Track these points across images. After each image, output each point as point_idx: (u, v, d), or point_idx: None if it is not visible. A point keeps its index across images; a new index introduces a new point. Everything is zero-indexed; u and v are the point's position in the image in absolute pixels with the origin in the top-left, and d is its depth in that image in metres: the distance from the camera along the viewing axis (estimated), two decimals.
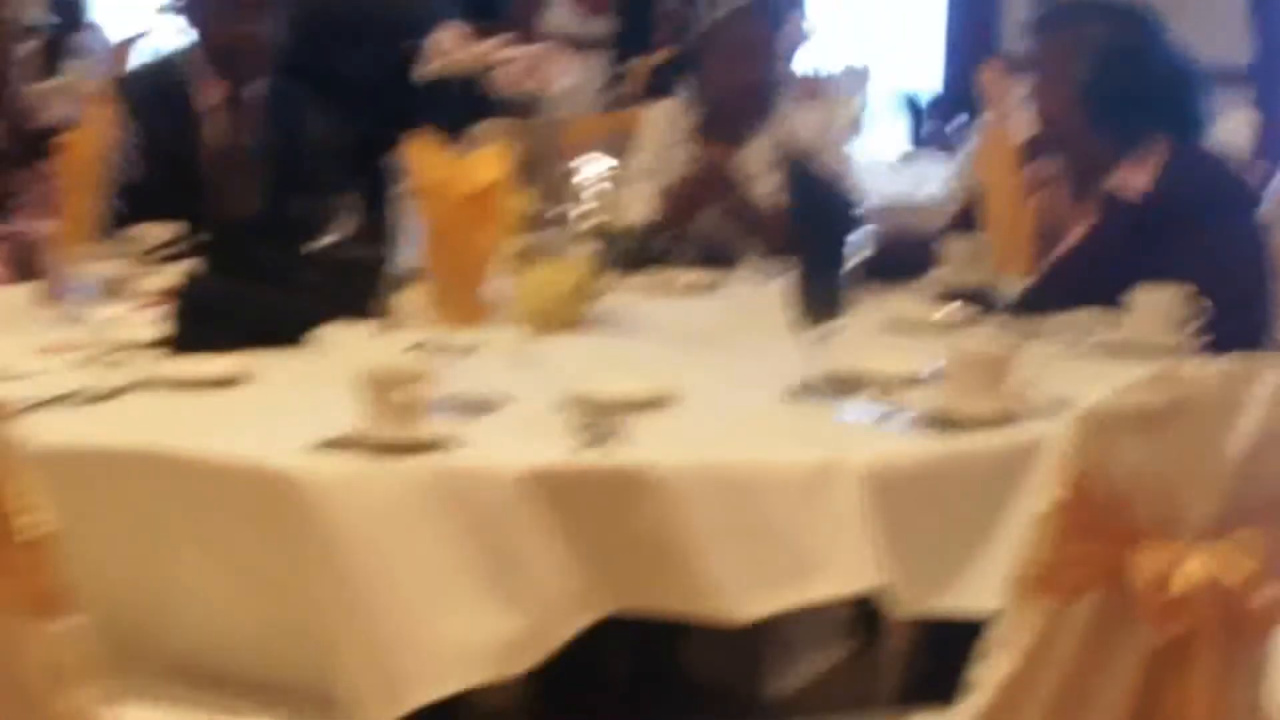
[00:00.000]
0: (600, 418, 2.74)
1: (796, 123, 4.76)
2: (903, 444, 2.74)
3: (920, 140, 7.16)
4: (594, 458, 2.59)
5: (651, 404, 2.89)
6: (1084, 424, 2.11)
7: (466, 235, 2.79)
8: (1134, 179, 3.98)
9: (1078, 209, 4.09)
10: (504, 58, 3.53)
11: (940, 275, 3.95)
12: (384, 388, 2.59)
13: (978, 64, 4.92)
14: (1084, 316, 3.60)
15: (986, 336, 3.40)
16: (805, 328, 2.97)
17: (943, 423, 2.78)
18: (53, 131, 4.29)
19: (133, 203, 4.47)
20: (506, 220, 2.89)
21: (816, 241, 2.96)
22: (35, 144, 4.27)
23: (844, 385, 2.99)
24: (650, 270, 4.20)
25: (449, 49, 3.63)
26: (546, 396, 2.87)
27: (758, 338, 3.35)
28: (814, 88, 6.48)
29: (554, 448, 2.63)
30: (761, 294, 4.03)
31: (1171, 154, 3.98)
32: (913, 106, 7.07)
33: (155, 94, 4.82)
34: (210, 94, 4.83)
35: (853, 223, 3.03)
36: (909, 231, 4.44)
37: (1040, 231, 3.96)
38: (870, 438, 2.77)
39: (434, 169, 2.82)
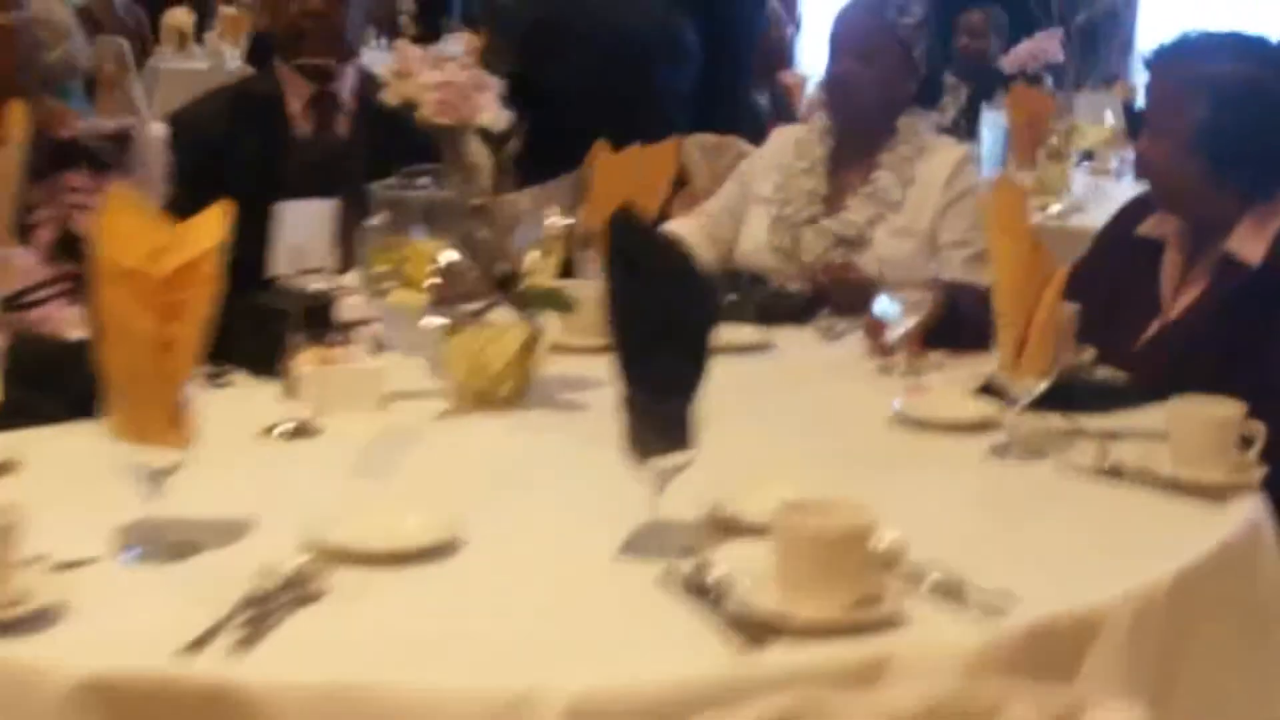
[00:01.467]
0: (317, 574, 1.82)
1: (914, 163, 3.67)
2: (649, 661, 1.70)
3: None
4: (181, 667, 1.64)
5: (409, 557, 1.93)
6: None
7: (158, 327, 1.88)
8: (1255, 242, 2.86)
9: (1188, 275, 2.98)
10: (430, 82, 2.57)
11: None
12: None
13: None
14: (1118, 421, 2.52)
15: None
16: (640, 460, 1.97)
17: (750, 626, 1.74)
18: (76, 144, 3.55)
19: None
20: (208, 308, 1.95)
21: (643, 345, 1.94)
22: (59, 156, 3.53)
23: (695, 535, 1.99)
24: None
25: (404, 71, 2.68)
26: (291, 530, 1.96)
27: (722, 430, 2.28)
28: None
29: (158, 641, 1.69)
30: (797, 364, 3.05)
31: None
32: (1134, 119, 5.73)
33: (236, 107, 3.97)
34: (296, 96, 3.92)
35: (705, 318, 1.98)
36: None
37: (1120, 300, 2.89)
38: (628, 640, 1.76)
39: (125, 239, 1.90)
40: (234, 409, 2.61)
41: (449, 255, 2.55)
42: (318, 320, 2.77)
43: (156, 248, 1.91)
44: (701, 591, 1.82)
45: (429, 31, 13.02)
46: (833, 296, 3.34)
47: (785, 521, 1.77)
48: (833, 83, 3.69)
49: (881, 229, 3.61)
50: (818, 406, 2.76)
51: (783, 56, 6.99)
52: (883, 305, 2.96)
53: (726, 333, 3.14)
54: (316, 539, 1.92)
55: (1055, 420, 2.54)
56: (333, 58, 3.89)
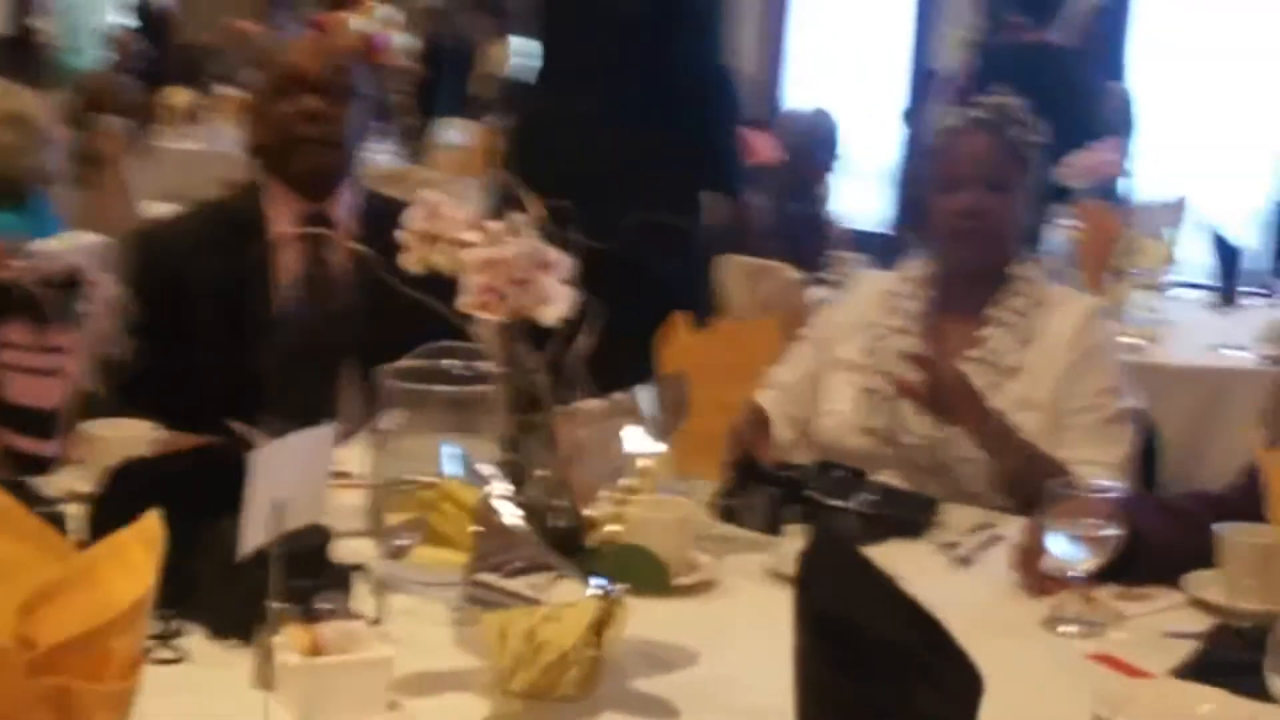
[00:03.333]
0: None
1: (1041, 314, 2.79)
2: None
3: (1229, 285, 4.79)
4: None
5: None
6: None
7: None
8: None
9: None
10: (487, 257, 1.65)
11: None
12: None
13: None
14: None
15: None
16: None
17: None
18: (13, 289, 2.63)
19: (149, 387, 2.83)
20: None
21: None
22: None
23: None
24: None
25: (424, 230, 1.77)
26: None
27: None
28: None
29: None
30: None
31: None
32: (1222, 246, 4.81)
33: (207, 228, 3.04)
34: (283, 216, 2.99)
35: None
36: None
37: None
38: None
39: None
40: (177, 713, 1.69)
41: (504, 505, 1.63)
42: (309, 568, 1.86)
43: (39, 593, 0.99)
44: None
45: (426, 115, 12.17)
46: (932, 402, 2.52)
47: None
48: (960, 219, 2.77)
49: (998, 400, 2.71)
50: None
51: None
52: (1055, 538, 2.07)
53: None
54: None
55: None
56: (330, 168, 3.01)
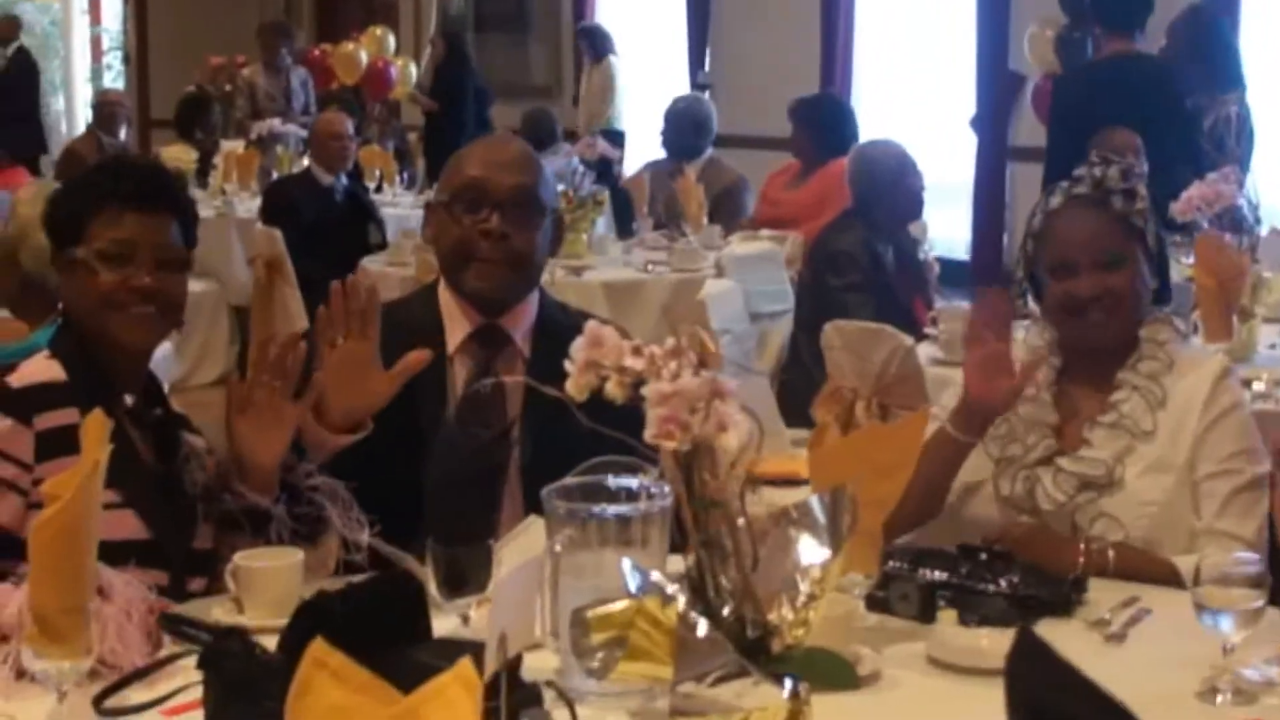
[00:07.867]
0: None
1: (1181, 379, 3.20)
2: None
3: None
4: None
5: None
6: None
7: None
8: None
9: None
10: (666, 390, 2.08)
11: None
12: None
13: None
14: None
15: None
16: None
17: None
18: None
19: None
20: None
21: None
22: None
23: None
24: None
25: (587, 359, 2.20)
26: None
27: None
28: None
29: None
30: None
31: None
32: None
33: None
34: (456, 326, 3.31)
35: None
36: None
37: None
38: None
39: None
40: None
41: (699, 620, 2.05)
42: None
43: None
44: None
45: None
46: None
47: None
48: (1078, 303, 3.18)
49: (1133, 465, 3.12)
50: None
51: None
52: (1210, 615, 2.47)
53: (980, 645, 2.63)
54: None
55: None
56: (508, 289, 3.31)
